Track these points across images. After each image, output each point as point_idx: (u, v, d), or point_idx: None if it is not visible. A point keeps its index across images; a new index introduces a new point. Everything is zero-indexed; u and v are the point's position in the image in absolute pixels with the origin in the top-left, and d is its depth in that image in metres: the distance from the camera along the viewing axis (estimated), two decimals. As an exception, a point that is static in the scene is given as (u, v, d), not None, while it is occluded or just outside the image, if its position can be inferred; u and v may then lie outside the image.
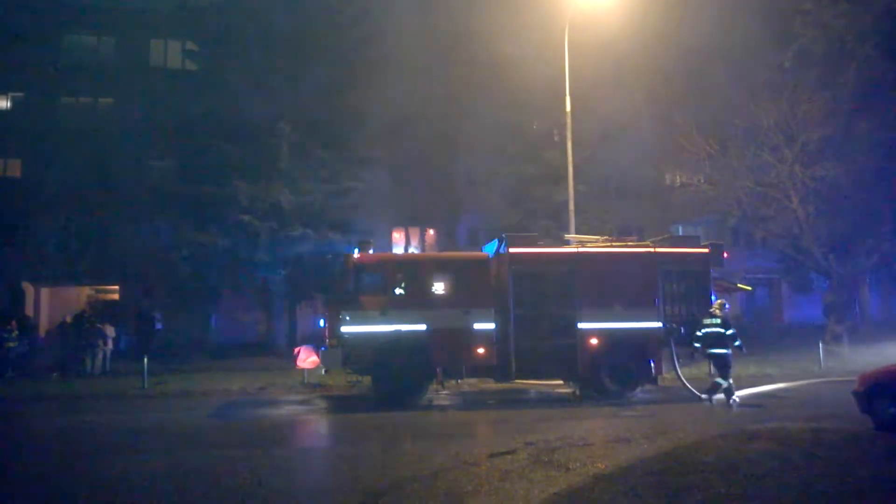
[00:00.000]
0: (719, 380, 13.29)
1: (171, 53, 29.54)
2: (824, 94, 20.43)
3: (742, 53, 21.49)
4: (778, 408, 12.63)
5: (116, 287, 29.33)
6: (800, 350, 21.07)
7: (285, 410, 13.49)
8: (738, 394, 13.54)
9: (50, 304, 28.94)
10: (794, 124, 20.90)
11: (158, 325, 23.75)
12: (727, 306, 13.91)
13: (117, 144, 28.18)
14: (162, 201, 25.24)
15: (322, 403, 14.15)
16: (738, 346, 13.34)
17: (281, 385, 16.18)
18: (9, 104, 29.77)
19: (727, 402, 13.10)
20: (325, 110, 23.14)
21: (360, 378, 13.73)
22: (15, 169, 28.82)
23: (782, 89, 20.60)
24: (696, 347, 13.58)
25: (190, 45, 26.22)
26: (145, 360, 16.16)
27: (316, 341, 15.85)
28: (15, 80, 28.58)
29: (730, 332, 13.28)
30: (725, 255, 15.08)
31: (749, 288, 16.79)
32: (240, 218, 21.62)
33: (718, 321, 13.35)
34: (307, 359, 15.02)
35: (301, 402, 14.33)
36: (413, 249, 30.53)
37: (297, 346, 16.53)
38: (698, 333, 13.50)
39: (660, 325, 14.06)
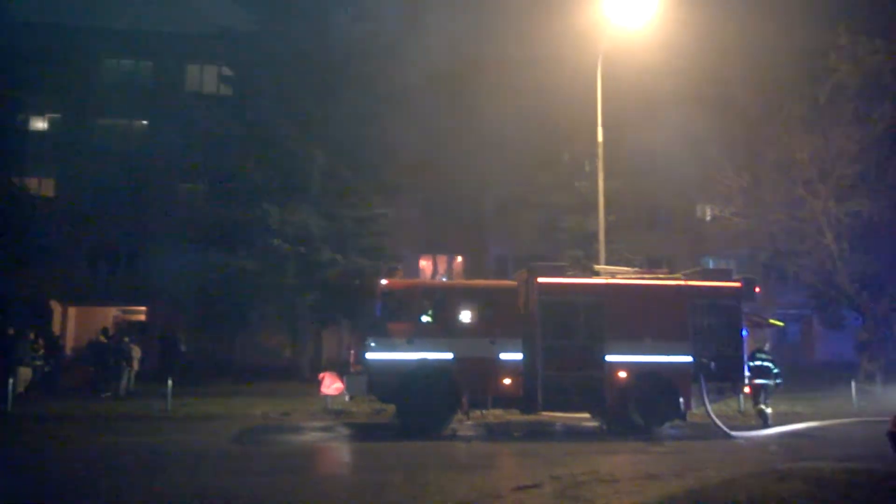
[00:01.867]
0: (765, 408, 14.68)
1: (206, 78, 30.22)
2: (859, 129, 20.17)
3: (777, 87, 21.30)
4: (810, 447, 12.35)
5: (144, 308, 29.67)
6: (832, 388, 20.56)
7: (308, 437, 13.40)
8: (770, 431, 14.01)
9: (77, 324, 29.36)
10: (828, 159, 20.63)
11: (183, 348, 23.84)
12: (767, 344, 15.38)
13: (150, 167, 28.76)
14: (192, 223, 25.58)
15: (345, 431, 14.02)
16: (778, 383, 14.98)
17: (304, 411, 16.08)
18: (45, 125, 30.57)
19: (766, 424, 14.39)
20: (357, 137, 23.40)
21: (384, 406, 13.60)
22: (48, 188, 29.50)
23: (817, 123, 20.39)
24: (748, 376, 14.34)
25: (225, 71, 26.78)
26: (169, 382, 16.20)
27: (341, 367, 15.79)
28: (52, 102, 29.35)
29: (777, 369, 14.94)
30: (757, 289, 14.80)
31: (781, 324, 16.46)
32: (269, 242, 21.81)
33: (769, 356, 15.02)
34: (332, 385, 14.95)
35: (324, 429, 14.21)
36: (441, 277, 30.50)
37: (322, 372, 16.49)
38: (751, 364, 14.54)
39: (690, 359, 13.78)
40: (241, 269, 22.03)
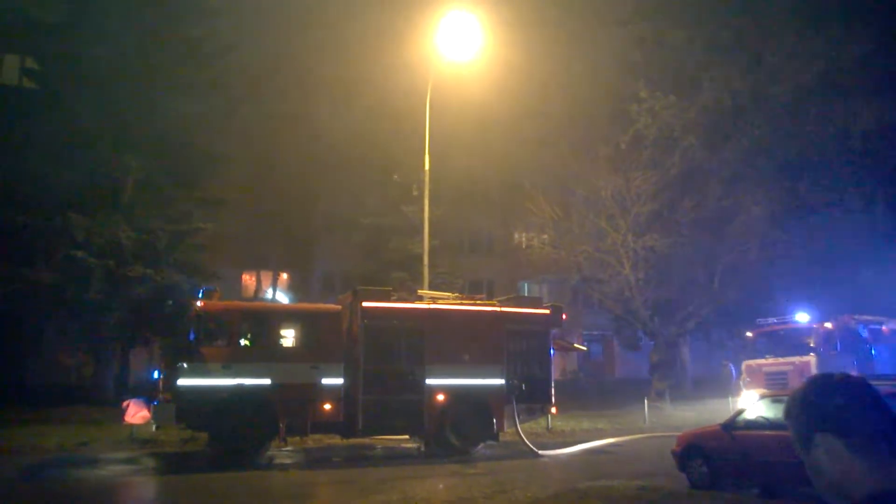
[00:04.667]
0: None
1: (6, 69, 27.05)
2: (654, 173, 22.58)
3: (587, 128, 23.30)
4: (607, 463, 13.37)
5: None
6: (628, 405, 22.54)
7: (109, 471, 12.38)
8: (573, 449, 14.83)
9: None
10: (628, 197, 22.85)
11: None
12: None
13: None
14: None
15: (151, 462, 13.15)
16: None
17: (106, 441, 14.78)
18: None
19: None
20: (178, 145, 22.17)
21: (196, 434, 12.95)
22: None
23: (619, 165, 22.55)
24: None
25: (30, 63, 24.23)
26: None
27: (149, 393, 14.80)
28: None
29: None
30: (564, 316, 16.03)
31: (584, 348, 17.97)
32: (71, 253, 19.94)
33: None
34: (136, 413, 13.94)
35: (128, 461, 13.20)
36: (264, 293, 29.62)
37: (127, 397, 15.32)
38: None
39: (503, 381, 14.55)
40: (37, 282, 19.91)
